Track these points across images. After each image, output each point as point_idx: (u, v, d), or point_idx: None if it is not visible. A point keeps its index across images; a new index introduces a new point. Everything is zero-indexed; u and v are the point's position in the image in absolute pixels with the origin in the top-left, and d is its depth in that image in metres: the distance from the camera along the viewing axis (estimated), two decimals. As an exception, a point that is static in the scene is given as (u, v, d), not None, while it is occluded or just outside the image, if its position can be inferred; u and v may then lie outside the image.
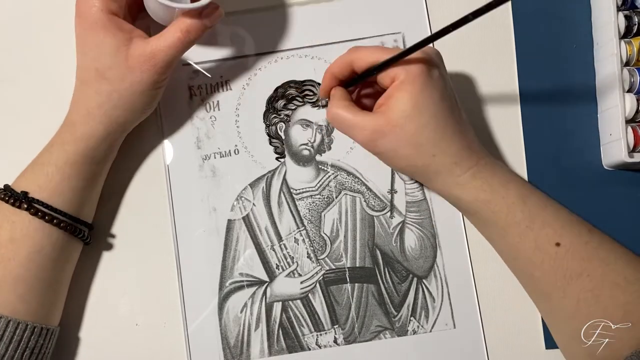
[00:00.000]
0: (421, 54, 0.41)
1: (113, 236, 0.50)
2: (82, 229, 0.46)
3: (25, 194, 0.43)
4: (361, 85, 0.47)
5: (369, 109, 0.44)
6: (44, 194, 0.43)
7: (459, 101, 0.44)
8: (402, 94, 0.41)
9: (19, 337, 0.42)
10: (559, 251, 0.42)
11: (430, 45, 0.41)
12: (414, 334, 0.49)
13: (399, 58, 0.40)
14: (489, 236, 0.46)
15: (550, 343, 0.48)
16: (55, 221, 0.43)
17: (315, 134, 0.51)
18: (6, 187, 0.44)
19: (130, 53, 0.42)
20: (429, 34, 0.51)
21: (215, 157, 0.50)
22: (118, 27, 0.42)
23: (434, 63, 0.42)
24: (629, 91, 0.49)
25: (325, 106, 0.51)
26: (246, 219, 0.50)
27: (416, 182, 0.50)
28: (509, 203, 0.43)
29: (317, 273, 0.49)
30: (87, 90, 0.44)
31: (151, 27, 0.49)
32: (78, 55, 0.44)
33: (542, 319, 0.48)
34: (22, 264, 0.42)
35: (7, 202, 0.43)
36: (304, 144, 0.51)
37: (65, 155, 0.43)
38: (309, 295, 0.49)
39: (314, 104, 0.51)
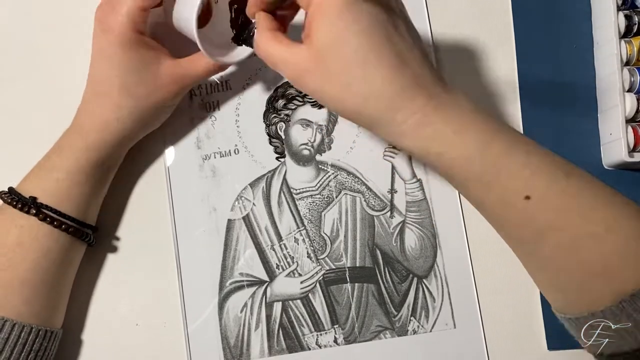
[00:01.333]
0: None
1: (114, 237, 0.50)
2: (87, 232, 0.46)
3: (34, 199, 0.42)
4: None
5: None
6: (53, 199, 0.43)
7: (420, 36, 0.38)
8: (321, 20, 0.34)
9: (23, 340, 0.42)
10: (528, 205, 0.36)
11: None
12: (414, 333, 0.49)
13: None
14: (455, 188, 0.42)
15: (552, 344, 0.48)
16: (63, 226, 0.43)
17: (315, 133, 0.51)
18: (11, 190, 0.43)
19: (160, 72, 0.43)
20: (429, 31, 0.51)
21: (215, 157, 0.50)
22: (147, 45, 0.43)
23: None
24: (629, 91, 0.49)
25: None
26: (246, 219, 0.50)
27: (417, 181, 0.50)
28: (466, 155, 0.36)
29: (317, 273, 0.49)
30: (105, 102, 0.43)
31: (151, 27, 0.49)
32: (100, 67, 0.43)
33: (543, 320, 0.48)
34: (29, 268, 0.42)
35: (14, 206, 0.42)
36: (304, 144, 0.51)
37: (77, 162, 0.43)
38: (309, 295, 0.49)
39: (314, 104, 0.51)
